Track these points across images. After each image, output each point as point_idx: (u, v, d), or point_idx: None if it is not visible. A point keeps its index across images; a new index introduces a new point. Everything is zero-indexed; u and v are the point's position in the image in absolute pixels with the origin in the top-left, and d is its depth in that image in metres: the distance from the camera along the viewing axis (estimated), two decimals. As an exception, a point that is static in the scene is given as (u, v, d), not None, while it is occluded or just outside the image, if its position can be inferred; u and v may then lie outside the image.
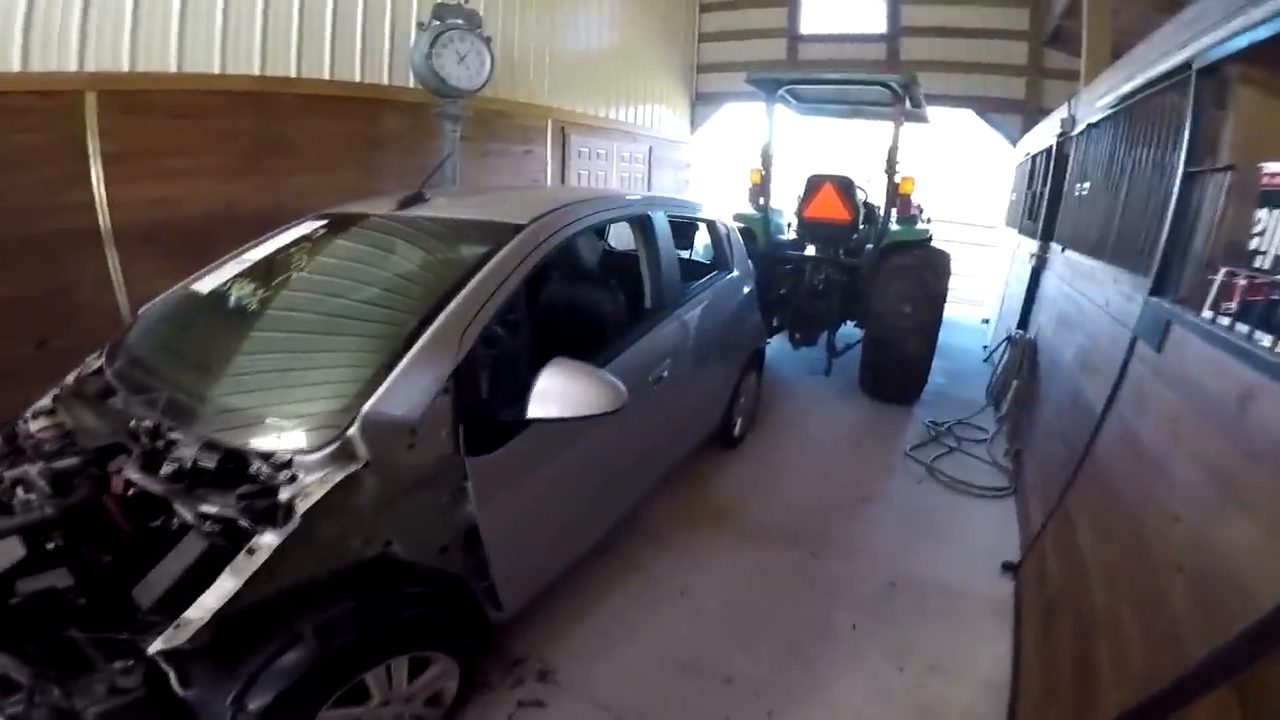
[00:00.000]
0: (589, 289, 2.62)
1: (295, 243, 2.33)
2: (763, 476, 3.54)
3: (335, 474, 1.41)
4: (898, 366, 4.43)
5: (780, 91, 5.01)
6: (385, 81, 4.43)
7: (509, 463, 1.78)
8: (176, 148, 3.61)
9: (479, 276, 1.81)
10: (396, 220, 2.30)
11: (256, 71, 3.78)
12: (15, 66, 3.11)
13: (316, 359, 1.81)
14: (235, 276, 2.19)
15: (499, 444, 1.74)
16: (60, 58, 3.21)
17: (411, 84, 4.40)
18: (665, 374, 2.55)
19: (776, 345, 5.27)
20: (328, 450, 1.43)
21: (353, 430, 1.45)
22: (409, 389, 1.55)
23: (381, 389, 1.51)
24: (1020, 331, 4.29)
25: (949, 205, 7.55)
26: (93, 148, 3.41)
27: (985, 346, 6.02)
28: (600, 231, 3.55)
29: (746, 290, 3.65)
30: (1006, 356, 4.16)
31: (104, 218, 3.51)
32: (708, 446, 3.53)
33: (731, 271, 3.48)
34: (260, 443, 1.48)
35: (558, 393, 1.68)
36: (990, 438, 4.11)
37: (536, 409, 1.68)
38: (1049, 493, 2.74)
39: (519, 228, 2.03)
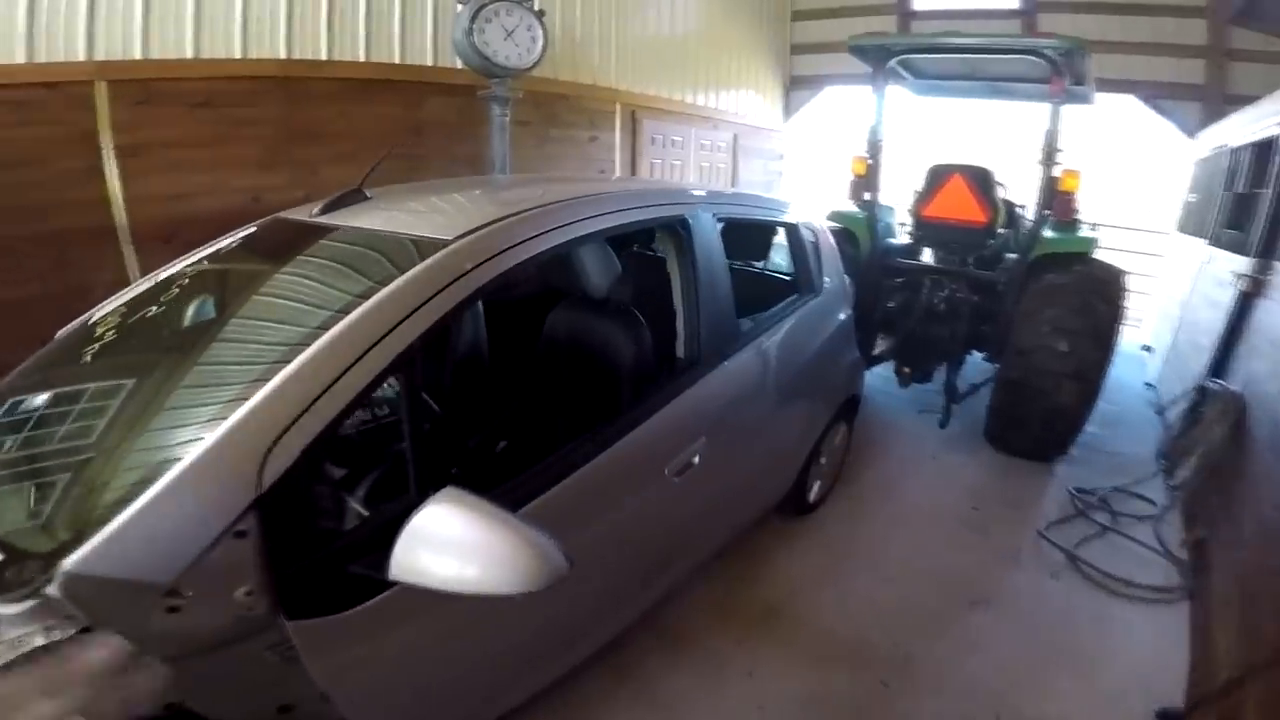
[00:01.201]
0: (566, 342, 2.01)
1: (188, 269, 1.84)
2: (836, 560, 2.75)
3: (35, 636, 0.97)
4: (1041, 419, 3.41)
5: (893, 64, 4.04)
6: (429, 62, 3.96)
7: (379, 619, 1.19)
8: (195, 139, 3.31)
9: (327, 338, 1.17)
10: (301, 233, 1.71)
11: (282, 55, 3.40)
12: (20, 57, 2.85)
13: (73, 470, 1.21)
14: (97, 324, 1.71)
15: (361, 598, 1.16)
16: (67, 46, 2.95)
17: (459, 65, 3.87)
18: (696, 459, 1.86)
19: (878, 375, 4.29)
20: (24, 607, 0.98)
21: (51, 589, 0.96)
22: (148, 540, 1.01)
23: (95, 540, 0.98)
24: (1219, 382, 3.19)
25: (1106, 205, 6.20)
26: (105, 140, 3.12)
27: (1149, 384, 4.85)
28: (629, 242, 2.85)
29: (839, 319, 2.83)
30: (1196, 410, 3.15)
31: (120, 214, 3.25)
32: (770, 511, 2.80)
33: (816, 294, 2.68)
34: None
35: (440, 546, 1.06)
36: (1159, 514, 3.09)
37: (404, 568, 1.07)
38: (1257, 621, 1.87)
39: (439, 246, 1.40)
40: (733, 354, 2.07)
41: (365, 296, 1.26)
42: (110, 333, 1.61)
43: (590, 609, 1.78)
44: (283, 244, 1.74)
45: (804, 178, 8.09)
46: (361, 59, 3.66)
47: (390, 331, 1.20)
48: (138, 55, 3.06)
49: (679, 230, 1.97)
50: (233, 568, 1.03)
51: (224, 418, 1.07)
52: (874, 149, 4.08)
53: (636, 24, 5.42)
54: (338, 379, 1.13)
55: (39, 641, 0.97)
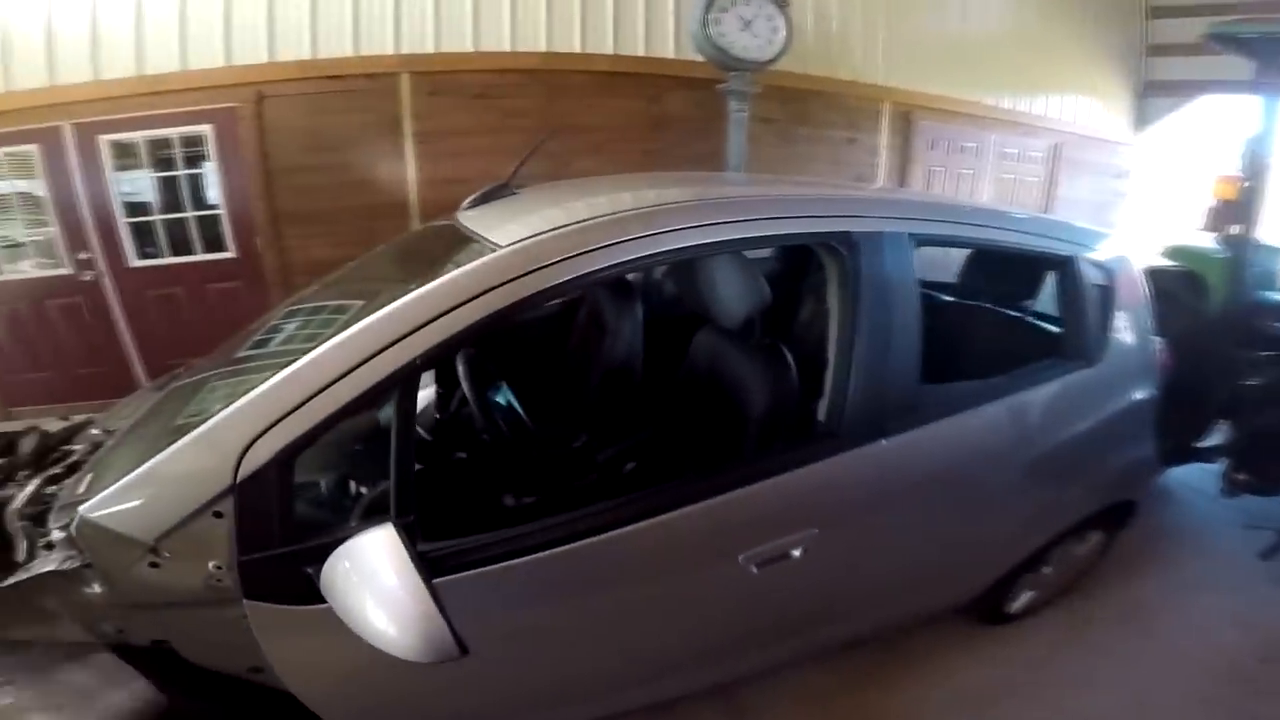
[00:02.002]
0: (704, 372, 1.81)
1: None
2: (1006, 690, 2.07)
3: (62, 559, 1.22)
4: None
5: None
6: (670, 54, 3.99)
7: (328, 622, 1.18)
8: (472, 128, 3.84)
9: (323, 346, 1.19)
10: (427, 232, 1.82)
11: (543, 48, 3.73)
12: (349, 50, 3.58)
13: (148, 433, 1.43)
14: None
15: (315, 599, 1.17)
16: (380, 40, 3.59)
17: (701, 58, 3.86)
18: (796, 553, 1.48)
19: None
20: (65, 534, 1.24)
21: (72, 528, 1.21)
22: (138, 503, 1.18)
23: (102, 494, 1.19)
24: None
25: None
26: (406, 127, 3.79)
27: None
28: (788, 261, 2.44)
29: (1126, 400, 1.98)
30: None
31: (412, 193, 3.91)
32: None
33: (1088, 362, 1.87)
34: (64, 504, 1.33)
35: (360, 579, 1.05)
36: None
37: (325, 585, 1.10)
38: None
39: (486, 252, 1.30)
40: (902, 430, 1.53)
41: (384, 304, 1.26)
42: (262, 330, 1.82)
43: (599, 667, 1.58)
44: (410, 242, 1.90)
45: (1156, 200, 6.40)
46: (610, 51, 3.85)
47: (390, 346, 1.17)
48: (431, 49, 3.65)
49: (838, 251, 1.49)
50: (207, 542, 1.16)
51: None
52: (1254, 169, 2.82)
53: (915, 14, 4.78)
54: (324, 388, 1.16)
55: (50, 567, 1.23)
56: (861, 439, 1.50)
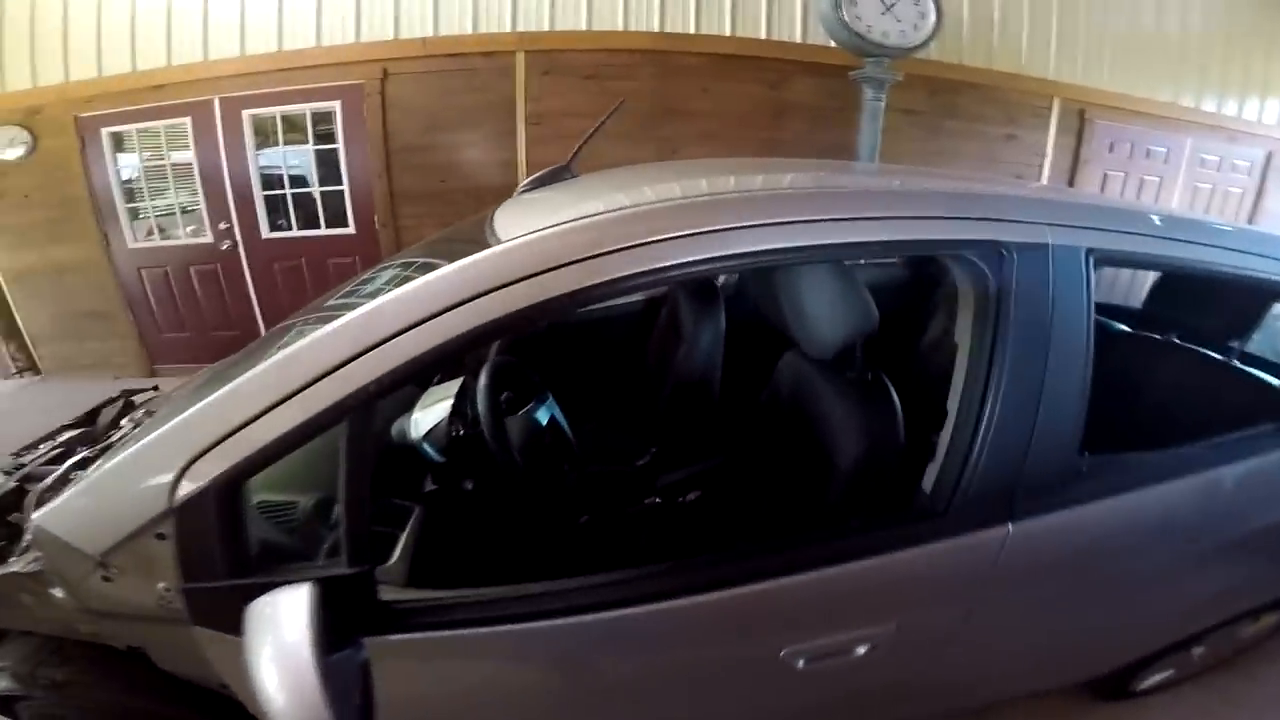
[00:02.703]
0: (788, 401, 1.47)
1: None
2: None
3: (29, 560, 1.19)
4: None
5: None
6: (797, 38, 3.63)
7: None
8: (582, 109, 3.70)
9: (274, 359, 0.99)
10: (476, 219, 1.57)
11: (656, 27, 3.52)
12: (468, 28, 3.54)
13: (143, 431, 1.27)
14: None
15: None
16: (498, 17, 3.53)
17: (833, 42, 3.48)
18: (861, 650, 1.15)
19: None
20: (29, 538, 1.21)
21: (29, 531, 1.18)
22: (85, 514, 1.09)
23: (55, 501, 1.11)
24: None
25: None
26: (519, 108, 3.71)
27: None
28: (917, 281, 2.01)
29: None
30: None
31: (520, 175, 3.85)
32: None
33: None
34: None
35: (249, 637, 0.86)
36: None
37: (243, 628, 0.90)
38: None
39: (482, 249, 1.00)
40: (1040, 511, 1.12)
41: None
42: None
43: None
44: (449, 233, 1.70)
45: None
46: (727, 33, 3.57)
47: (340, 366, 0.94)
48: (546, 27, 3.54)
49: (977, 267, 1.09)
50: (153, 562, 1.03)
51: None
52: None
53: (1096, 6, 4.09)
54: (265, 411, 0.96)
55: (14, 569, 1.18)
56: (979, 522, 1.10)
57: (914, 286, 2.30)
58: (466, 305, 0.93)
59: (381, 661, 0.95)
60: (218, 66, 3.80)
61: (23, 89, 3.86)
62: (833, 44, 3.42)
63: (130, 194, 4.28)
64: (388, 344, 0.93)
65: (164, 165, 4.22)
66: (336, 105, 3.94)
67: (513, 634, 1.05)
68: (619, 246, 0.96)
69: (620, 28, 3.55)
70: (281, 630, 0.83)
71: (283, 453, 0.96)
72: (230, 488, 0.98)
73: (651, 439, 1.95)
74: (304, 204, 4.29)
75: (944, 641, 1.22)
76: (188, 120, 4.04)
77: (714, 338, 1.87)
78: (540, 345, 2.34)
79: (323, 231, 4.26)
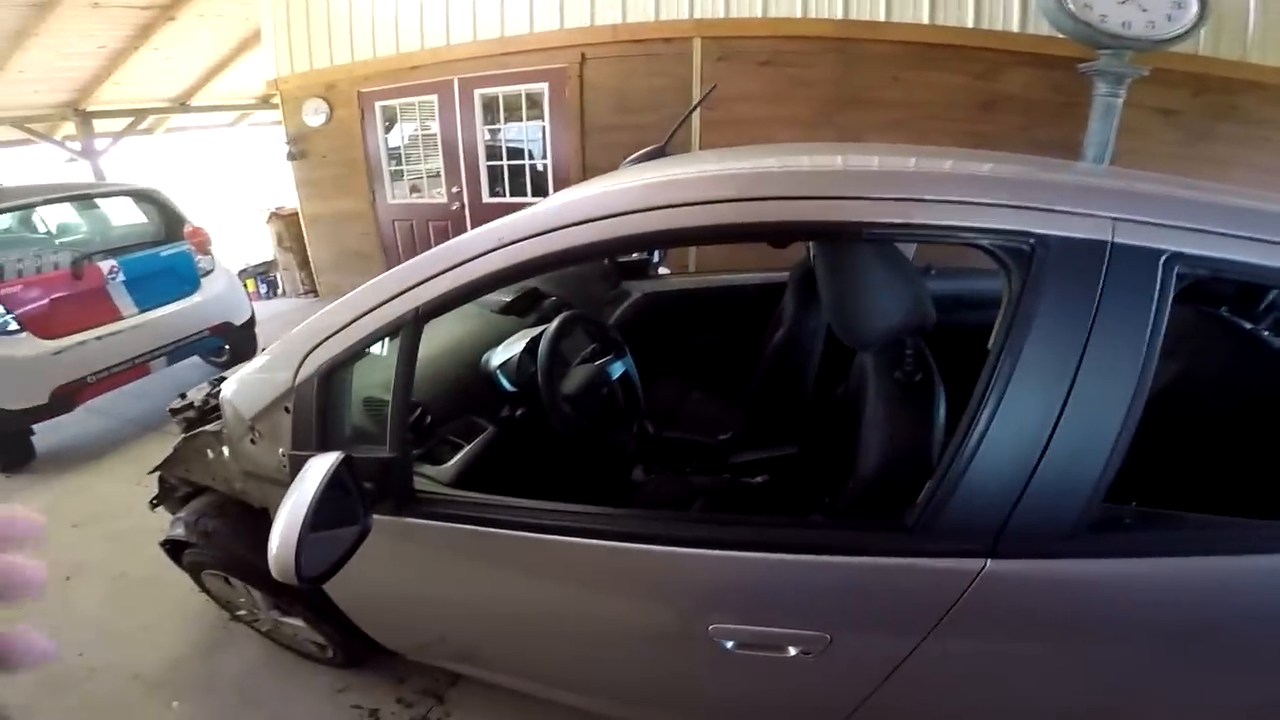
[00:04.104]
0: (855, 396, 1.35)
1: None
2: None
3: (214, 423, 1.61)
4: None
5: None
6: (1014, 27, 3.10)
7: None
8: (757, 95, 3.64)
9: (363, 286, 1.23)
10: None
11: (839, 15, 3.27)
12: (650, 16, 3.65)
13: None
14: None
15: None
16: (678, 4, 3.58)
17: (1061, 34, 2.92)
18: (792, 651, 1.07)
19: None
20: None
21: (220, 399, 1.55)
22: (252, 388, 1.42)
23: (237, 374, 1.54)
24: None
25: None
26: (696, 92, 3.77)
27: None
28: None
29: None
30: None
31: (695, 159, 3.91)
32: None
33: None
34: None
35: (292, 487, 1.06)
36: None
37: None
38: None
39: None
40: (1035, 555, 0.94)
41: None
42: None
43: (541, 656, 1.48)
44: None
45: None
46: (924, 21, 3.18)
47: (400, 294, 1.18)
48: (723, 14, 3.50)
49: (1005, 263, 0.92)
50: (279, 431, 1.35)
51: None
52: None
53: None
54: (356, 319, 1.22)
55: (208, 427, 1.62)
56: (950, 549, 0.96)
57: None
58: (501, 250, 1.10)
59: (401, 538, 1.22)
60: (456, 50, 4.39)
61: (323, 67, 4.82)
62: (1059, 35, 2.89)
63: (392, 158, 5.19)
64: (428, 282, 1.14)
65: (417, 135, 5.02)
66: (545, 87, 4.34)
67: (492, 538, 1.19)
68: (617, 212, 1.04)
69: (799, 15, 3.37)
70: (303, 485, 1.01)
71: (360, 353, 1.23)
72: (329, 376, 1.24)
73: (744, 418, 1.96)
74: (516, 174, 4.83)
75: (885, 671, 1.11)
76: (435, 98, 4.75)
77: (814, 328, 1.79)
78: (677, 312, 2.47)
79: (529, 199, 4.75)
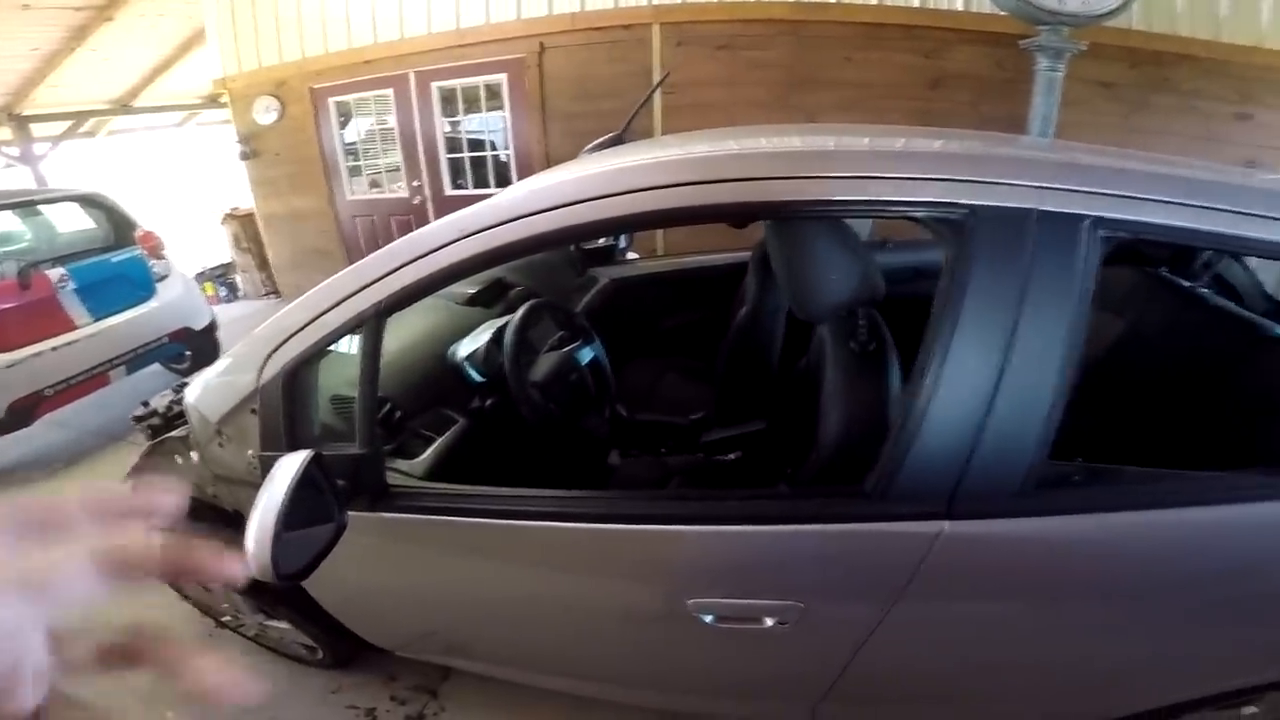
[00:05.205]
0: (816, 367, 1.39)
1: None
2: None
3: (180, 429, 1.62)
4: None
5: None
6: (958, 6, 3.19)
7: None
8: (714, 79, 3.69)
9: (321, 285, 1.23)
10: None
11: (792, -2, 3.33)
12: (610, 3, 3.65)
13: None
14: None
15: None
16: (636, -11, 3.59)
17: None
18: (769, 622, 1.11)
19: None
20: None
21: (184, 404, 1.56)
22: (217, 392, 1.42)
23: (200, 378, 1.54)
24: None
25: None
26: (655, 78, 3.78)
27: None
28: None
29: None
30: None
31: (656, 143, 3.93)
32: None
33: None
34: None
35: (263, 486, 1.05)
36: None
37: None
38: None
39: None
40: (989, 515, 1.00)
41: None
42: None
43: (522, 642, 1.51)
44: None
45: None
46: (873, 2, 3.26)
47: (364, 288, 1.18)
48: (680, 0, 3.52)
49: (944, 235, 0.96)
50: (247, 433, 1.33)
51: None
52: None
53: None
54: (317, 317, 1.22)
55: (173, 434, 1.62)
56: (909, 513, 1.01)
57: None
58: (456, 244, 1.12)
59: (378, 534, 1.23)
60: (410, 44, 4.34)
61: (272, 64, 4.71)
62: (1001, 12, 2.99)
63: (349, 154, 5.10)
64: (389, 276, 1.15)
65: (374, 130, 4.95)
66: (503, 78, 4.31)
67: (469, 528, 1.22)
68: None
69: (755, -1, 3.42)
70: (274, 485, 1.01)
71: (322, 351, 1.23)
72: (294, 375, 1.24)
73: (714, 398, 2.00)
74: (478, 166, 4.79)
75: (860, 638, 1.15)
76: (391, 91, 4.68)
77: (775, 305, 1.84)
78: (646, 295, 2.50)
79: (493, 190, 4.72)
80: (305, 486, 1.00)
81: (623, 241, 2.67)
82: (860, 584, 1.09)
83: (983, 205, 0.93)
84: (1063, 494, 0.99)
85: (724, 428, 1.77)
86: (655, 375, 2.30)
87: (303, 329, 1.22)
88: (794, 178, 0.99)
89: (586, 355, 1.84)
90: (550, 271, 2.36)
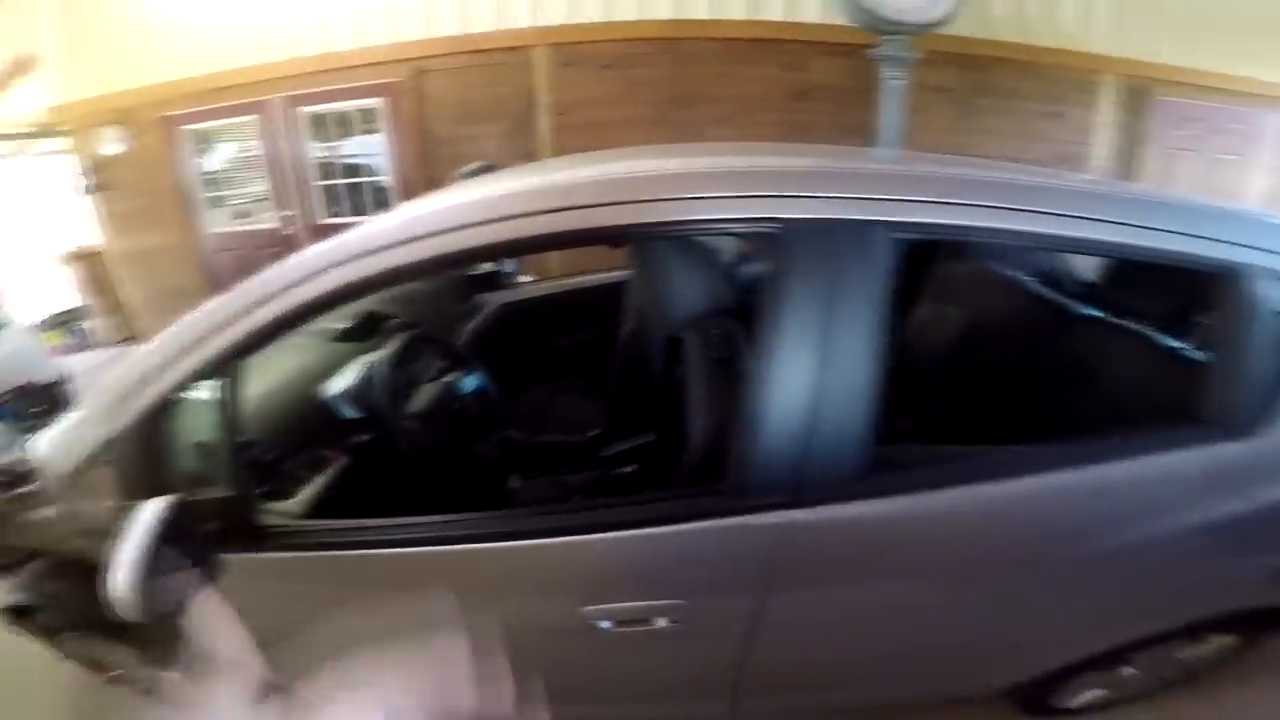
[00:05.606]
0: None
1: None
2: None
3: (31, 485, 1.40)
4: None
5: None
6: (817, 19, 3.51)
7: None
8: (601, 98, 3.78)
9: (175, 326, 1.19)
10: None
11: (670, 15, 3.50)
12: (490, 26, 3.68)
13: None
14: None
15: None
16: (519, 13, 3.65)
17: (858, 22, 3.34)
18: (661, 623, 1.19)
19: None
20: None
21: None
22: (69, 445, 1.30)
23: (50, 432, 1.36)
24: None
25: None
26: (541, 99, 3.83)
27: None
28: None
29: None
30: None
31: (544, 165, 3.96)
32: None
33: (1232, 434, 1.19)
34: None
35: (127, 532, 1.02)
36: None
37: None
38: None
39: None
40: (832, 501, 1.11)
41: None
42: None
43: None
44: None
45: None
46: (742, 16, 3.52)
47: (218, 329, 1.14)
48: (564, 20, 3.61)
49: (762, 248, 1.14)
50: (105, 483, 1.25)
51: None
52: None
53: None
54: (171, 361, 1.17)
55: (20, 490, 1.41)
56: (760, 505, 1.11)
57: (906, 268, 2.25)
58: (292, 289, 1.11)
59: (258, 576, 1.18)
60: (273, 68, 4.14)
61: (117, 91, 4.35)
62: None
63: (210, 184, 4.76)
64: (242, 317, 1.12)
65: (236, 159, 4.66)
66: (379, 102, 4.21)
67: (352, 560, 1.20)
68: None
69: (633, 17, 3.56)
70: (135, 532, 0.99)
71: (181, 396, 1.17)
72: (149, 423, 1.18)
73: (610, 413, 2.04)
74: (356, 192, 4.62)
75: (748, 629, 1.23)
76: (254, 118, 4.43)
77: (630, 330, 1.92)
78: (538, 318, 2.51)
79: (371, 217, 4.56)
80: (168, 531, 1.00)
81: (509, 266, 2.69)
82: (730, 577, 1.18)
83: (792, 219, 1.05)
84: (893, 476, 1.12)
85: (619, 442, 1.85)
86: (551, 397, 2.34)
87: (156, 375, 1.17)
88: (620, 203, 1.08)
89: (470, 383, 1.86)
90: (432, 300, 2.33)
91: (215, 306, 1.16)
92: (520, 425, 2.06)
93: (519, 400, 2.27)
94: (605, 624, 1.19)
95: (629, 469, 1.82)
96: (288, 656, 1.48)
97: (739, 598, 1.18)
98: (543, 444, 2.02)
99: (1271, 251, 1.20)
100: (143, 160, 4.55)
